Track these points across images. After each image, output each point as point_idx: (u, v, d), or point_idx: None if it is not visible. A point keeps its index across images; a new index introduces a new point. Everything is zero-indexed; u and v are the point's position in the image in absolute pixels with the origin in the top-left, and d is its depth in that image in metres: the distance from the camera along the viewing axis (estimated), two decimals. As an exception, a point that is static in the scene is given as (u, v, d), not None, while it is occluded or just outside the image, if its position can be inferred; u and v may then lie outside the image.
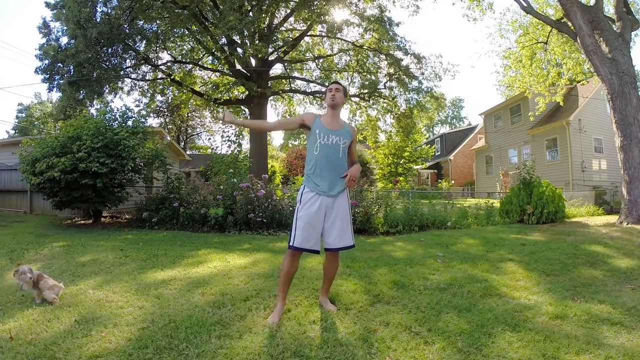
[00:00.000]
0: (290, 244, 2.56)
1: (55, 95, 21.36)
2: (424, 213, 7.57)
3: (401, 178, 21.11)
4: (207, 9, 13.61)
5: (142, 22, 13.12)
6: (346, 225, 2.64)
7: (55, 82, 12.86)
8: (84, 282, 3.34)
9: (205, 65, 16.97)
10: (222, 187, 7.40)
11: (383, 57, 15.55)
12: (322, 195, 2.59)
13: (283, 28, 16.13)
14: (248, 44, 12.62)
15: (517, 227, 7.18)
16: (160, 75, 16.13)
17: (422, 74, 15.39)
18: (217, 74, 17.29)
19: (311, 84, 18.09)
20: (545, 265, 3.99)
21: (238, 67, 14.82)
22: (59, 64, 12.58)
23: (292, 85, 18.65)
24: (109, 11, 12.59)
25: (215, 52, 14.94)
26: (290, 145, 49.74)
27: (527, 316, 2.58)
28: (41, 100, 39.56)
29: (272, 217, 7.01)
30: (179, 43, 15.82)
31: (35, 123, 36.91)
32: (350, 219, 2.71)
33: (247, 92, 15.05)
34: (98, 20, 12.08)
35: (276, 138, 54.41)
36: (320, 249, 2.61)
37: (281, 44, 16.01)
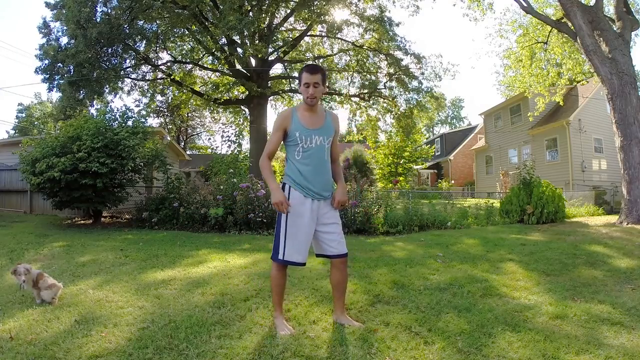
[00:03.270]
0: (279, 257, 2.28)
1: (55, 95, 21.39)
2: (424, 213, 7.57)
3: (401, 178, 21.09)
4: (207, 9, 13.62)
5: (142, 22, 13.12)
6: (340, 230, 2.41)
7: (55, 82, 12.88)
8: (84, 282, 3.34)
9: (205, 65, 16.98)
10: (222, 187, 7.40)
11: (383, 57, 15.55)
12: (313, 198, 2.31)
13: (283, 28, 16.14)
14: (248, 44, 12.63)
15: (517, 227, 7.18)
16: (160, 75, 16.14)
17: (422, 74, 15.42)
18: (217, 74, 17.30)
19: (311, 84, 18.08)
20: (545, 265, 3.99)
21: (238, 67, 14.83)
22: (59, 64, 12.59)
23: (292, 85, 18.65)
24: (109, 11, 12.60)
25: (215, 52, 14.95)
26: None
27: (527, 316, 2.58)
28: (41, 100, 39.62)
29: (272, 217, 7.00)
30: (179, 43, 15.83)
31: (35, 123, 36.92)
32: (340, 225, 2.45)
33: (247, 92, 15.06)
34: (98, 20, 12.09)
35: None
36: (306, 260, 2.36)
37: (281, 44, 16.02)
